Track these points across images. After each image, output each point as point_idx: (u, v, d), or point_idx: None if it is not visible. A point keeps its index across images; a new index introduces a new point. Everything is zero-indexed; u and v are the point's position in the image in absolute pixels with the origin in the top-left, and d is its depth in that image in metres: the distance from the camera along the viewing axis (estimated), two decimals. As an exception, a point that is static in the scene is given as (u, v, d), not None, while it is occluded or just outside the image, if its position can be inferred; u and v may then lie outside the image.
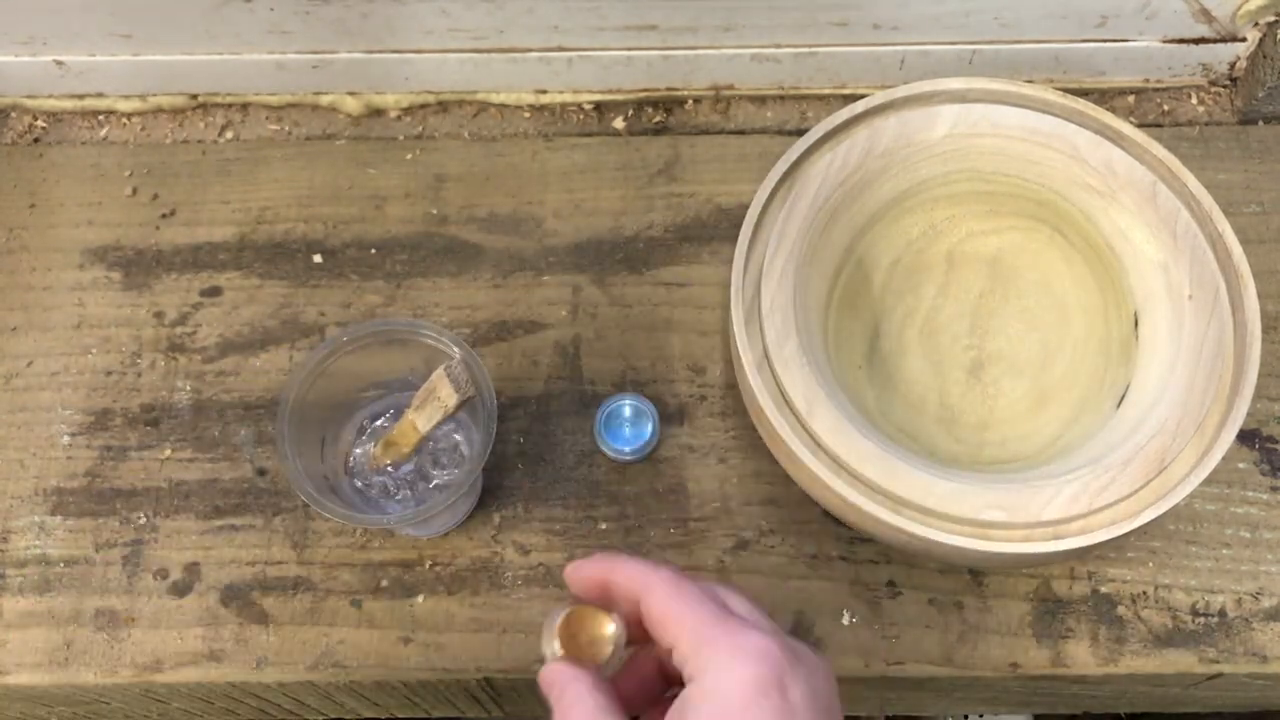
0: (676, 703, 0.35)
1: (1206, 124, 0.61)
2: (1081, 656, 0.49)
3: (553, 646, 0.38)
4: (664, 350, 0.56)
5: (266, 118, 0.63)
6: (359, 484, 0.51)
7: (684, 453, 0.54)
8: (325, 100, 0.63)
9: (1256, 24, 0.58)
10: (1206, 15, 0.58)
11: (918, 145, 0.51)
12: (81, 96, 0.63)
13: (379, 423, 0.52)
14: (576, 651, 0.38)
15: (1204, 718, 0.72)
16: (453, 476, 0.51)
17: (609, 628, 0.38)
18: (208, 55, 0.60)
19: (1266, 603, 0.50)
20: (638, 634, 0.38)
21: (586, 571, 0.39)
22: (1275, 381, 0.54)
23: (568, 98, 0.62)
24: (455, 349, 0.48)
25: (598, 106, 0.63)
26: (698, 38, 0.59)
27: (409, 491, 0.51)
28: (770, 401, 0.46)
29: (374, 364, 0.51)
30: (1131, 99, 0.62)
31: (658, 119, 0.63)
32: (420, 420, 0.48)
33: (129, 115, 0.63)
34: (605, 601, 0.39)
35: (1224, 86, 0.62)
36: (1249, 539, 0.51)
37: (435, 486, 0.51)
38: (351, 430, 0.52)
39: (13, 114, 0.63)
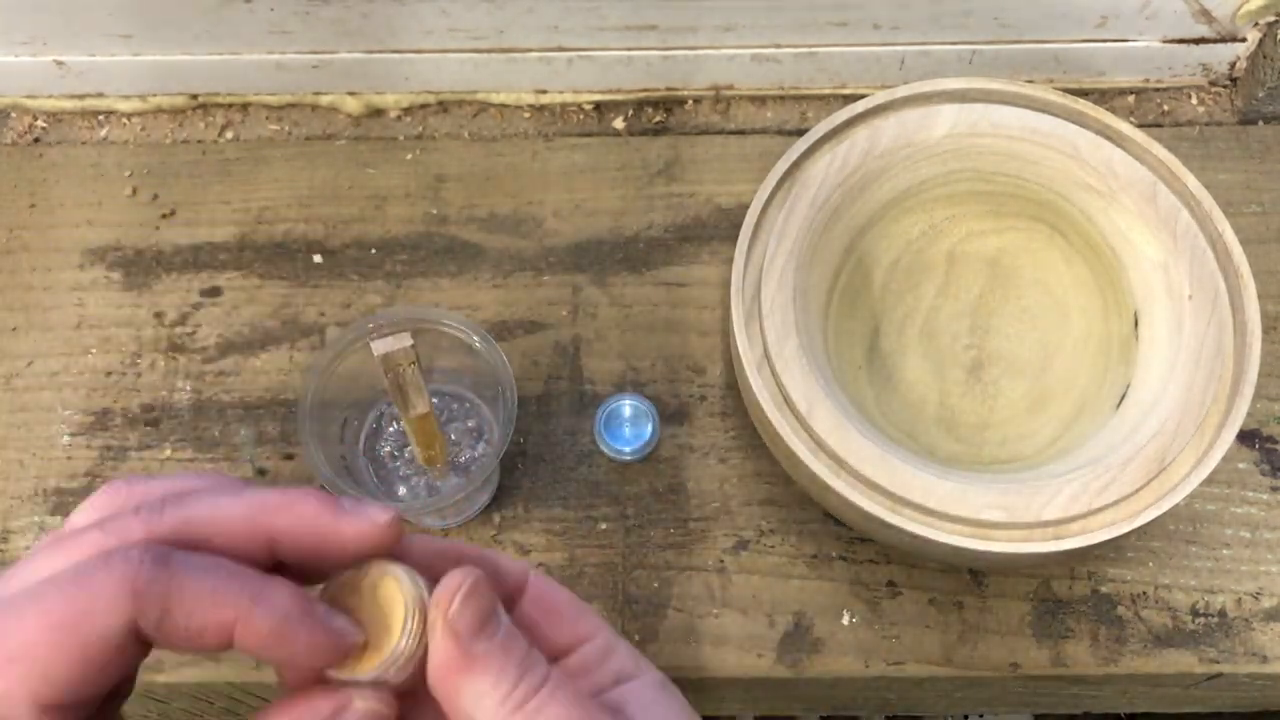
0: None
1: (1206, 124, 0.61)
2: (1081, 656, 0.49)
3: None
4: (664, 350, 0.56)
5: (266, 118, 0.63)
6: (377, 473, 0.52)
7: (684, 453, 0.54)
8: (325, 100, 0.63)
9: (1256, 24, 0.58)
10: (1206, 15, 0.58)
11: (918, 145, 0.51)
12: (81, 96, 0.63)
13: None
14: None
15: (1204, 718, 0.72)
16: (471, 466, 0.52)
17: (401, 592, 0.28)
18: (208, 55, 0.60)
19: (1266, 603, 0.50)
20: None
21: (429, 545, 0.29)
22: (1275, 381, 0.54)
23: (568, 98, 0.62)
24: (476, 339, 0.49)
25: (598, 106, 0.63)
26: (698, 38, 0.59)
27: (425, 480, 0.52)
28: (770, 401, 0.46)
29: None
30: (1131, 99, 0.62)
31: (658, 119, 0.63)
32: (417, 408, 0.45)
33: (129, 115, 0.63)
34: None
35: (1224, 86, 0.62)
36: (1249, 539, 0.51)
37: (453, 475, 0.51)
38: (373, 417, 0.53)
39: (13, 114, 0.63)
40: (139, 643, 0.26)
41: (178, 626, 0.25)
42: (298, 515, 0.28)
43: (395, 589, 0.28)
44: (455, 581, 0.28)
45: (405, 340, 0.42)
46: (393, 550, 0.29)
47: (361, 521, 0.28)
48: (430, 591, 0.28)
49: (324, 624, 0.27)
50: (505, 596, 0.30)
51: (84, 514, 0.29)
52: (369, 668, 0.28)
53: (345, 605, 0.28)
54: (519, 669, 0.28)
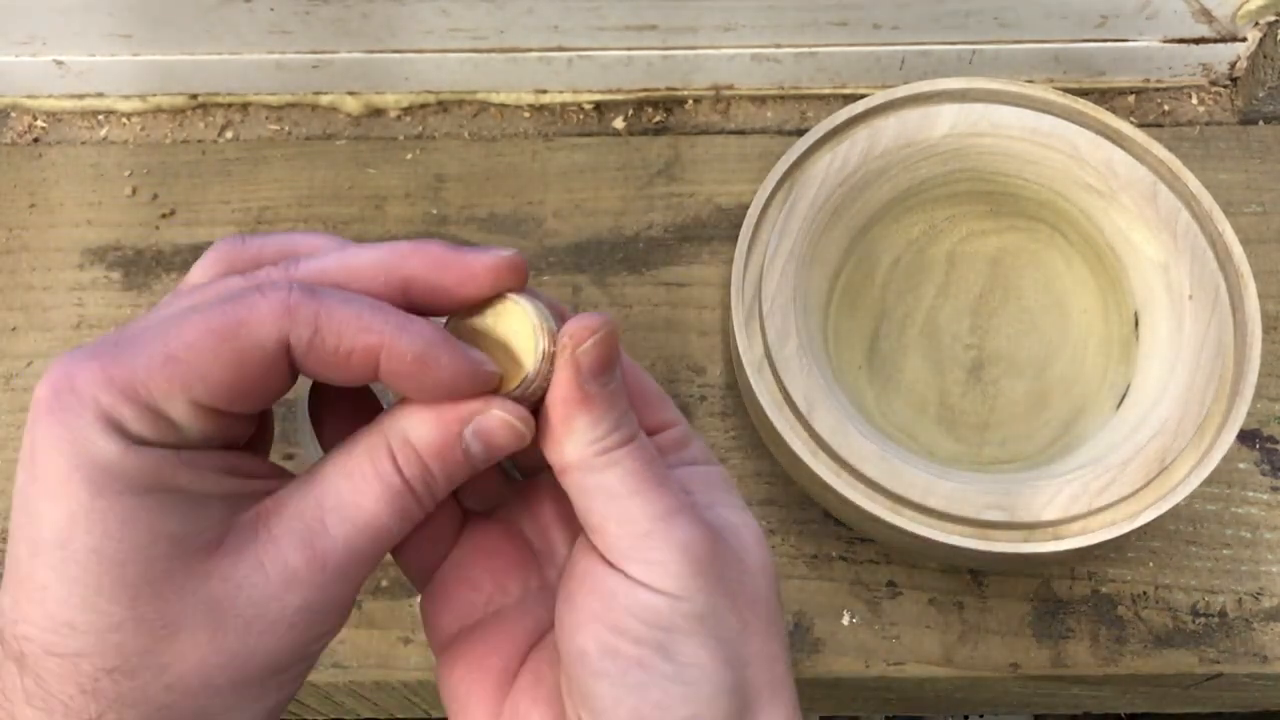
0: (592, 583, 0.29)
1: (1207, 124, 0.61)
2: (1082, 657, 0.49)
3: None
4: (664, 350, 0.56)
5: (266, 118, 0.63)
6: None
7: (684, 453, 0.53)
8: (325, 100, 0.63)
9: (1257, 24, 0.58)
10: (1207, 15, 0.58)
11: (918, 145, 0.51)
12: (81, 96, 0.63)
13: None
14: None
15: (1204, 718, 0.72)
16: None
17: (530, 318, 0.29)
18: (208, 55, 0.60)
19: (1267, 603, 0.50)
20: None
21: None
22: (1276, 381, 0.54)
23: (568, 98, 0.62)
24: None
25: (598, 106, 0.63)
26: (698, 38, 0.59)
27: None
28: (770, 401, 0.46)
29: None
30: (1132, 99, 0.62)
31: (658, 119, 0.63)
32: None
33: (129, 115, 0.63)
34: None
35: (1224, 86, 0.62)
36: (1249, 539, 0.51)
37: None
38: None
39: (12, 114, 0.63)
40: (288, 367, 0.27)
41: (327, 347, 0.27)
42: (428, 256, 0.29)
43: (523, 316, 0.29)
44: (593, 323, 0.29)
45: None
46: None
47: (489, 256, 0.30)
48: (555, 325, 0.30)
49: (464, 353, 0.28)
50: None
51: (202, 269, 0.30)
52: (507, 389, 0.29)
53: (470, 342, 0.29)
54: (616, 420, 0.29)
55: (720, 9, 0.57)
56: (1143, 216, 0.50)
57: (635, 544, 0.29)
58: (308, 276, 0.28)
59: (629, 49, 0.60)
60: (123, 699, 0.25)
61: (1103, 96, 0.62)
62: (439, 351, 0.28)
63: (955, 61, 0.60)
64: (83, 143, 0.63)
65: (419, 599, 0.43)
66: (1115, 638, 0.50)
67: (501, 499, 0.35)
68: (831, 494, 0.45)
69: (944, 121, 0.51)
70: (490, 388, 0.29)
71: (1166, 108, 0.62)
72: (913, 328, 0.53)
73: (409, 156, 0.61)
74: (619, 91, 0.62)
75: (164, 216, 0.60)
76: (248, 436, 0.30)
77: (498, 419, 0.29)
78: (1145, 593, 0.50)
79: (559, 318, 0.30)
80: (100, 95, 0.63)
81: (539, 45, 0.59)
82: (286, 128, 0.63)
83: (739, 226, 0.49)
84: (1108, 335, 0.51)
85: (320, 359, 0.27)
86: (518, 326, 0.29)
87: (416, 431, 0.28)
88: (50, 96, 0.63)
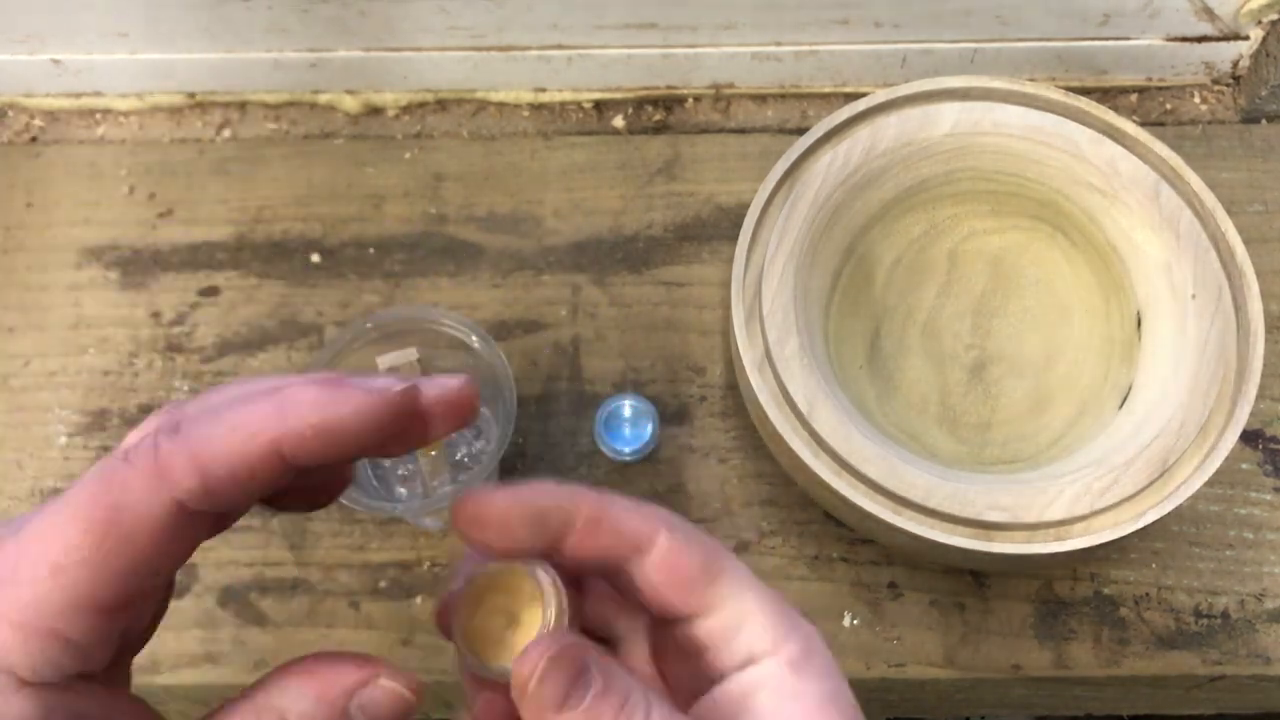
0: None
1: (1209, 123, 0.61)
2: (1084, 658, 0.49)
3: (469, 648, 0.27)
4: (664, 350, 0.55)
5: (264, 116, 0.63)
6: (375, 474, 0.52)
7: (684, 453, 0.53)
8: (323, 99, 0.62)
9: (1259, 22, 0.58)
10: (1209, 14, 0.57)
11: (919, 144, 0.51)
12: (79, 95, 0.62)
13: None
14: (482, 645, 0.27)
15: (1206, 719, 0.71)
16: (470, 467, 0.51)
17: (544, 593, 0.27)
18: (205, 54, 0.60)
19: (1270, 604, 0.50)
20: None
21: (535, 498, 0.26)
22: (1278, 382, 0.54)
23: (567, 96, 0.62)
24: (474, 338, 0.48)
25: (597, 105, 0.62)
26: (698, 36, 0.59)
27: (423, 482, 0.51)
28: (771, 401, 0.46)
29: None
30: (1134, 97, 0.62)
31: (658, 118, 0.62)
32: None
33: (126, 114, 0.63)
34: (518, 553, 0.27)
35: (1227, 85, 0.62)
36: (1252, 540, 0.51)
37: (452, 476, 0.51)
38: None
39: (10, 113, 0.63)
40: (196, 520, 0.23)
41: (219, 479, 0.23)
42: (298, 408, 0.24)
43: (524, 576, 0.27)
44: (532, 660, 0.25)
45: (411, 355, 0.42)
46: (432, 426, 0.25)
47: (357, 393, 0.24)
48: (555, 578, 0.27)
49: (362, 385, 0.24)
50: (618, 558, 0.27)
51: (138, 433, 0.26)
52: (516, 653, 0.26)
53: (487, 602, 0.28)
54: None
55: (720, 7, 0.57)
56: (1145, 216, 0.49)
57: None
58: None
59: (629, 47, 0.59)
60: None
61: (1105, 95, 0.62)
62: (331, 402, 0.23)
63: (957, 60, 0.60)
64: (80, 142, 0.63)
65: (417, 599, 0.39)
66: (1117, 639, 0.49)
67: None
68: (832, 495, 0.45)
69: (945, 120, 0.51)
70: (405, 403, 0.25)
71: (1169, 106, 0.62)
72: (914, 327, 0.53)
73: (407, 155, 0.61)
74: (619, 90, 0.62)
75: (161, 216, 0.59)
76: (106, 657, 0.24)
77: (385, 690, 0.25)
78: (1148, 594, 0.50)
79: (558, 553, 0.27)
80: (98, 94, 0.62)
81: (538, 44, 0.59)
82: (284, 126, 0.63)
83: (739, 226, 0.49)
84: (1110, 335, 0.51)
85: (224, 495, 0.23)
86: (519, 586, 0.27)
87: (298, 708, 0.24)
88: (47, 95, 0.62)
